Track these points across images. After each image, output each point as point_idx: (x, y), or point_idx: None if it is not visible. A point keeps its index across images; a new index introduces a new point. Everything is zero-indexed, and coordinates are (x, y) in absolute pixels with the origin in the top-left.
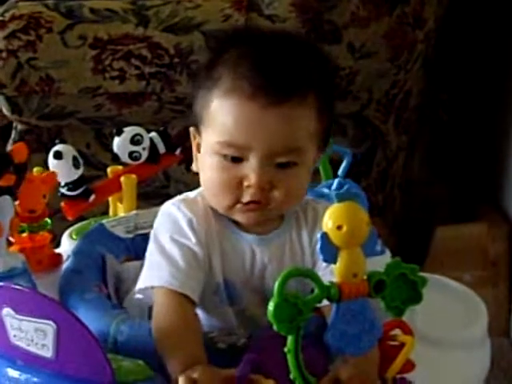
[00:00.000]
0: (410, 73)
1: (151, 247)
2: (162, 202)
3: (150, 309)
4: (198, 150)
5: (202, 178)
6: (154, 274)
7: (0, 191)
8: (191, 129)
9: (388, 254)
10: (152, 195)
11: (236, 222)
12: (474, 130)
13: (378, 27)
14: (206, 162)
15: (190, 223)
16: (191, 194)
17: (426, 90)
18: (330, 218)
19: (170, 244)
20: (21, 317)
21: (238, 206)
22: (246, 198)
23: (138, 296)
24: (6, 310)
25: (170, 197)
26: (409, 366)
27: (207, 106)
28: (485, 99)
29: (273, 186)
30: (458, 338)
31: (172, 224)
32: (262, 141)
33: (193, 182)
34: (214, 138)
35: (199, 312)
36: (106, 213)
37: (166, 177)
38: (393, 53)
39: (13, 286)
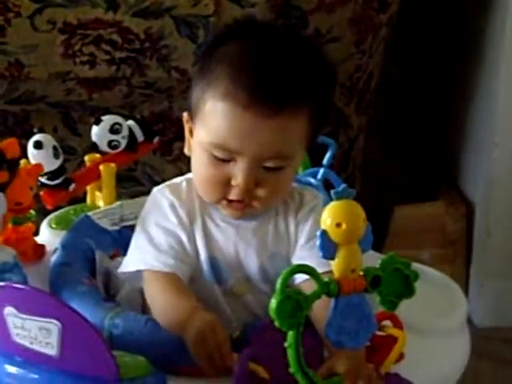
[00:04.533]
0: (373, 56)
1: (136, 231)
2: (130, 186)
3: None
4: (191, 134)
5: (192, 169)
6: (138, 258)
7: None
8: (185, 114)
9: None
10: (119, 179)
11: None
12: (428, 107)
13: (343, 12)
14: (196, 155)
15: (172, 206)
16: (177, 180)
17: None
18: (329, 216)
19: (154, 228)
20: (24, 315)
21: (223, 202)
22: (231, 196)
23: (119, 276)
24: (8, 309)
25: (137, 180)
26: (399, 357)
27: (203, 103)
28: (437, 74)
29: (258, 185)
30: (439, 325)
31: (156, 209)
32: (253, 148)
33: (160, 166)
34: (207, 137)
35: None
36: (81, 200)
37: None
38: (358, 37)
39: (14, 284)
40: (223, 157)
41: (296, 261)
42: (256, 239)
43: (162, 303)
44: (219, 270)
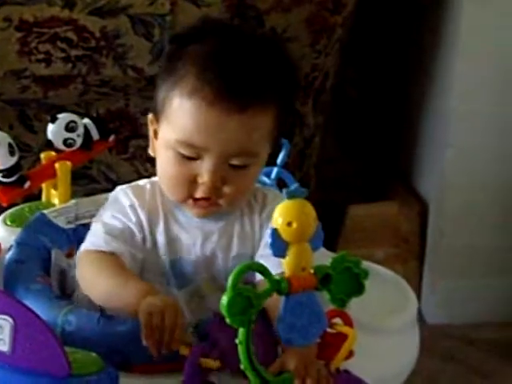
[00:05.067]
0: (329, 56)
1: (93, 223)
2: (84, 184)
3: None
4: (155, 136)
5: (158, 169)
6: (89, 241)
7: None
8: (149, 115)
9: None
10: (75, 176)
11: None
12: (384, 107)
13: (299, 12)
14: (162, 155)
15: (133, 207)
16: (141, 182)
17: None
18: (281, 215)
19: (110, 219)
20: None
21: (189, 201)
22: (198, 194)
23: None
24: None
25: (92, 178)
26: (348, 354)
27: (169, 102)
28: (393, 75)
29: (224, 182)
30: (389, 323)
31: (116, 206)
32: (220, 145)
33: (115, 164)
34: (173, 135)
35: None
36: (36, 198)
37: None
38: (313, 37)
39: None
40: (189, 154)
41: (257, 259)
42: (222, 240)
43: (107, 283)
44: (182, 271)
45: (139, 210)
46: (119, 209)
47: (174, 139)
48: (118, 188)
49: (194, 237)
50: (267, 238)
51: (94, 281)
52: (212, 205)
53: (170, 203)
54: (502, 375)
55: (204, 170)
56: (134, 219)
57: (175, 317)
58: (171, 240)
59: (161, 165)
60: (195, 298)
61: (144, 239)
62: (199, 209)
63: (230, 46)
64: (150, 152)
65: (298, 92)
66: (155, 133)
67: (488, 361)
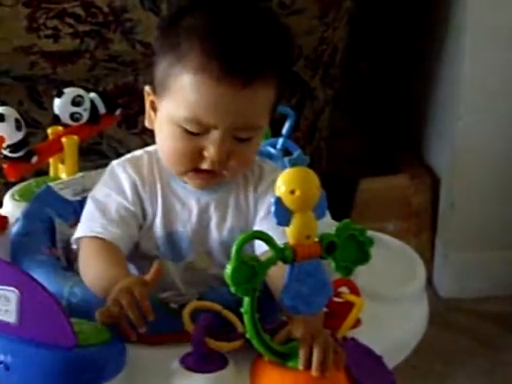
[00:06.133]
0: (337, 30)
1: (88, 200)
2: (95, 159)
3: None
4: (153, 108)
5: (159, 143)
6: (86, 225)
7: None
8: (146, 87)
9: (328, 215)
10: (85, 152)
11: None
12: (394, 81)
13: None
14: (164, 130)
15: (134, 185)
16: (137, 153)
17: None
18: (284, 183)
19: (105, 198)
20: None
21: (191, 173)
22: (203, 166)
23: (74, 247)
24: None
25: (102, 153)
26: (356, 322)
27: (172, 78)
28: (403, 49)
29: (229, 155)
30: (397, 292)
31: (114, 183)
32: (227, 120)
33: (125, 139)
34: (179, 111)
35: (134, 269)
36: (45, 173)
37: (98, 134)
38: (321, 10)
39: None
40: (196, 130)
41: None
42: (218, 212)
43: (94, 269)
44: (178, 244)
45: (140, 188)
46: (116, 186)
47: (180, 116)
48: (115, 162)
49: (189, 208)
50: (264, 210)
51: (84, 269)
52: (215, 176)
53: (166, 174)
54: None
55: (210, 144)
56: (131, 198)
57: (141, 288)
58: (167, 212)
59: (163, 139)
60: (190, 271)
61: (144, 215)
62: (201, 180)
63: (230, 18)
64: (147, 124)
65: (294, 61)
66: (153, 104)
67: (501, 333)
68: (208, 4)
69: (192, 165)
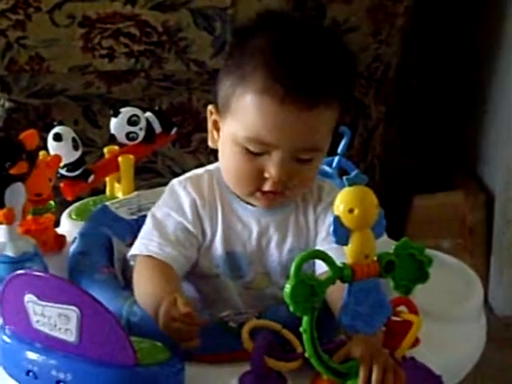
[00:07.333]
0: (391, 46)
1: (148, 217)
2: (149, 177)
3: None
4: (215, 128)
5: (222, 162)
6: (143, 243)
7: (13, 178)
8: (210, 106)
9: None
10: (140, 171)
11: None
12: (447, 95)
13: (360, 2)
14: (227, 150)
15: (194, 204)
16: (198, 172)
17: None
18: (342, 202)
19: (164, 217)
20: (44, 302)
21: (257, 193)
22: (265, 188)
23: (131, 263)
24: (29, 296)
25: (157, 172)
26: (414, 341)
27: (237, 98)
28: (457, 66)
29: (291, 176)
30: (455, 311)
31: (174, 202)
32: (289, 141)
33: (180, 157)
34: (241, 131)
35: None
36: (101, 192)
37: (153, 152)
38: (375, 27)
39: (35, 272)
40: (258, 151)
41: None
42: (277, 233)
43: (143, 286)
44: (237, 264)
45: (200, 207)
46: (176, 205)
47: (243, 136)
48: (176, 180)
49: (249, 228)
50: (325, 231)
51: (136, 285)
52: (279, 197)
53: (226, 194)
54: None
55: (272, 165)
56: (191, 217)
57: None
58: (227, 232)
59: (226, 159)
60: (248, 291)
61: (203, 234)
62: (266, 201)
63: (294, 40)
64: (210, 143)
65: (356, 84)
66: (215, 124)
67: None
68: (272, 25)
69: (255, 186)
